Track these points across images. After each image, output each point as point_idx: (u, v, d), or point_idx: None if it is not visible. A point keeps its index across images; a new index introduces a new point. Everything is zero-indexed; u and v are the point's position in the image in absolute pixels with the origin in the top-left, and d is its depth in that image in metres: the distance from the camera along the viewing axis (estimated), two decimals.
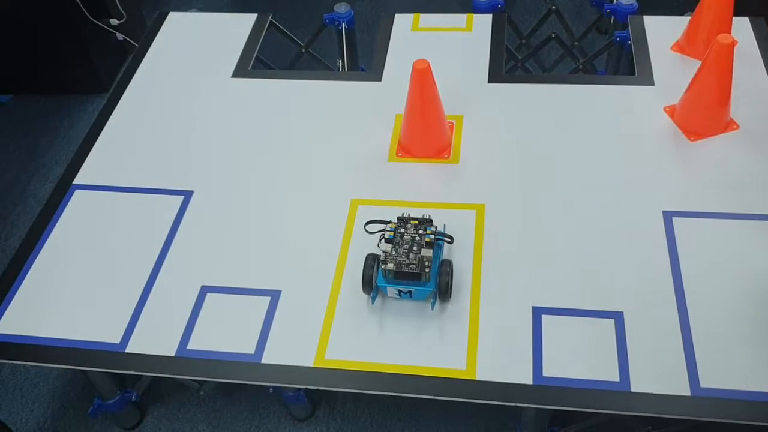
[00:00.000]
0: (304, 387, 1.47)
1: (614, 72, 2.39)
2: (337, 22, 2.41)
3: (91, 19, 2.80)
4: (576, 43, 2.56)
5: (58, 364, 1.55)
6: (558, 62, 2.63)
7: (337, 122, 1.97)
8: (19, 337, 1.58)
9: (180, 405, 2.01)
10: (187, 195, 1.83)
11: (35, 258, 1.73)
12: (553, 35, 2.54)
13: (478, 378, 1.43)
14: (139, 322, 1.58)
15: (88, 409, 1.86)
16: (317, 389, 1.49)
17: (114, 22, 2.91)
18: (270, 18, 2.34)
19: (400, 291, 1.53)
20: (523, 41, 2.61)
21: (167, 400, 2.02)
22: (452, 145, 1.87)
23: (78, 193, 1.87)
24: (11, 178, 2.71)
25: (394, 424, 1.92)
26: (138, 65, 2.23)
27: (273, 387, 1.79)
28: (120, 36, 2.98)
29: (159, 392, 2.03)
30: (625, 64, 2.25)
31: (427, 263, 1.50)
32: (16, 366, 2.12)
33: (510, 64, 2.46)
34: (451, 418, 1.91)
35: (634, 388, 1.39)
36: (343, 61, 2.45)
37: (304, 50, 2.48)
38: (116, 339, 1.55)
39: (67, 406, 2.03)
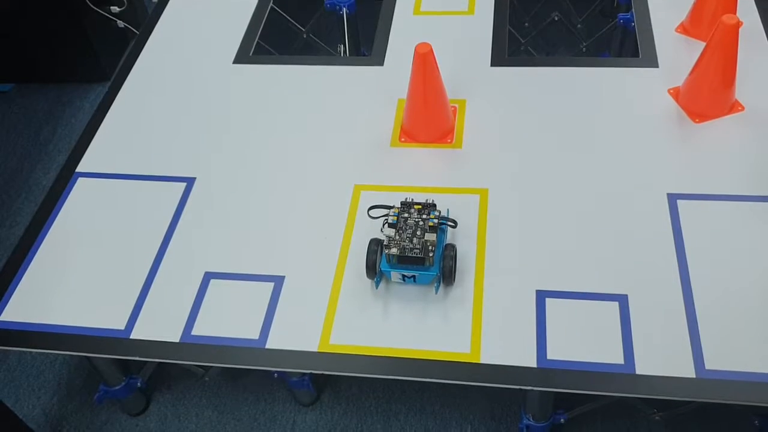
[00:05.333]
0: (308, 372, 1.47)
1: (618, 55, 2.37)
2: (338, 7, 2.40)
3: (92, 6, 2.79)
4: (579, 25, 2.55)
5: (63, 350, 1.55)
6: (561, 45, 2.61)
7: (340, 107, 1.96)
8: (24, 324, 1.58)
9: (185, 391, 2.01)
10: (190, 182, 1.82)
11: (39, 246, 1.73)
12: (556, 18, 2.53)
13: (482, 361, 1.43)
14: (143, 308, 1.58)
15: (94, 396, 1.87)
16: (322, 374, 1.49)
17: (115, 9, 2.90)
18: (271, 4, 2.32)
19: (403, 275, 1.52)
20: (526, 24, 2.60)
21: (173, 386, 2.02)
22: (455, 130, 1.86)
23: (81, 181, 1.87)
24: (14, 167, 2.71)
25: (399, 408, 1.92)
26: (139, 52, 2.23)
27: (278, 372, 1.80)
28: (121, 23, 2.98)
29: (164, 378, 2.03)
30: (629, 46, 2.24)
31: (430, 247, 1.50)
32: (22, 353, 2.13)
33: (513, 47, 2.44)
34: (455, 402, 1.91)
35: (638, 371, 1.39)
36: (345, 46, 2.45)
37: (305, 35, 2.47)
38: (121, 325, 1.55)
39: (72, 392, 2.04)
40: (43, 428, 1.97)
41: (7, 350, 2.12)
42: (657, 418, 1.74)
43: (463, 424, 1.88)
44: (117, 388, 1.86)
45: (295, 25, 2.43)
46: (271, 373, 1.82)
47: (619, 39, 2.35)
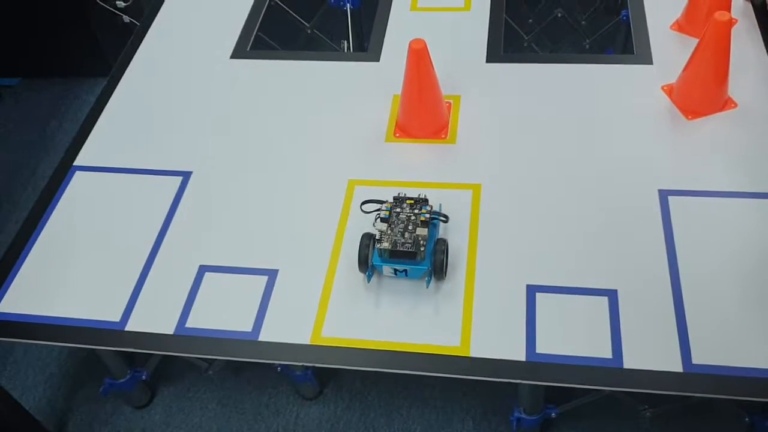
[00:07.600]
0: (300, 364, 1.49)
1: (622, 52, 2.37)
2: (342, 3, 2.40)
3: (98, 1, 2.81)
4: (583, 22, 2.54)
5: (59, 342, 1.58)
6: (565, 42, 2.61)
7: (335, 102, 1.98)
8: (21, 315, 1.61)
9: (190, 384, 2.03)
10: (186, 176, 1.84)
11: (36, 239, 1.75)
12: (560, 15, 2.53)
13: (472, 355, 1.44)
14: (138, 300, 1.60)
15: (99, 389, 1.88)
16: (324, 367, 1.50)
17: (120, 4, 2.92)
18: None
19: (395, 270, 1.54)
20: (530, 21, 2.60)
21: (177, 380, 2.04)
22: (449, 126, 1.87)
23: (78, 175, 1.89)
24: (20, 160, 2.73)
25: (401, 402, 1.93)
26: (138, 46, 2.24)
27: (281, 366, 1.81)
28: (126, 18, 2.99)
29: (169, 372, 2.05)
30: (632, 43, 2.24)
31: (422, 242, 1.51)
32: (28, 346, 2.15)
33: (516, 44, 2.45)
34: (457, 397, 1.92)
35: (626, 365, 1.40)
36: (349, 42, 2.45)
37: (309, 31, 2.47)
38: (116, 317, 1.58)
39: (78, 385, 2.06)
40: (50, 420, 1.99)
41: (4, 341, 2.14)
42: (647, 414, 1.75)
43: (465, 418, 1.89)
44: (122, 381, 1.87)
45: (300, 21, 2.43)
46: (275, 366, 1.83)
47: (623, 36, 2.34)
